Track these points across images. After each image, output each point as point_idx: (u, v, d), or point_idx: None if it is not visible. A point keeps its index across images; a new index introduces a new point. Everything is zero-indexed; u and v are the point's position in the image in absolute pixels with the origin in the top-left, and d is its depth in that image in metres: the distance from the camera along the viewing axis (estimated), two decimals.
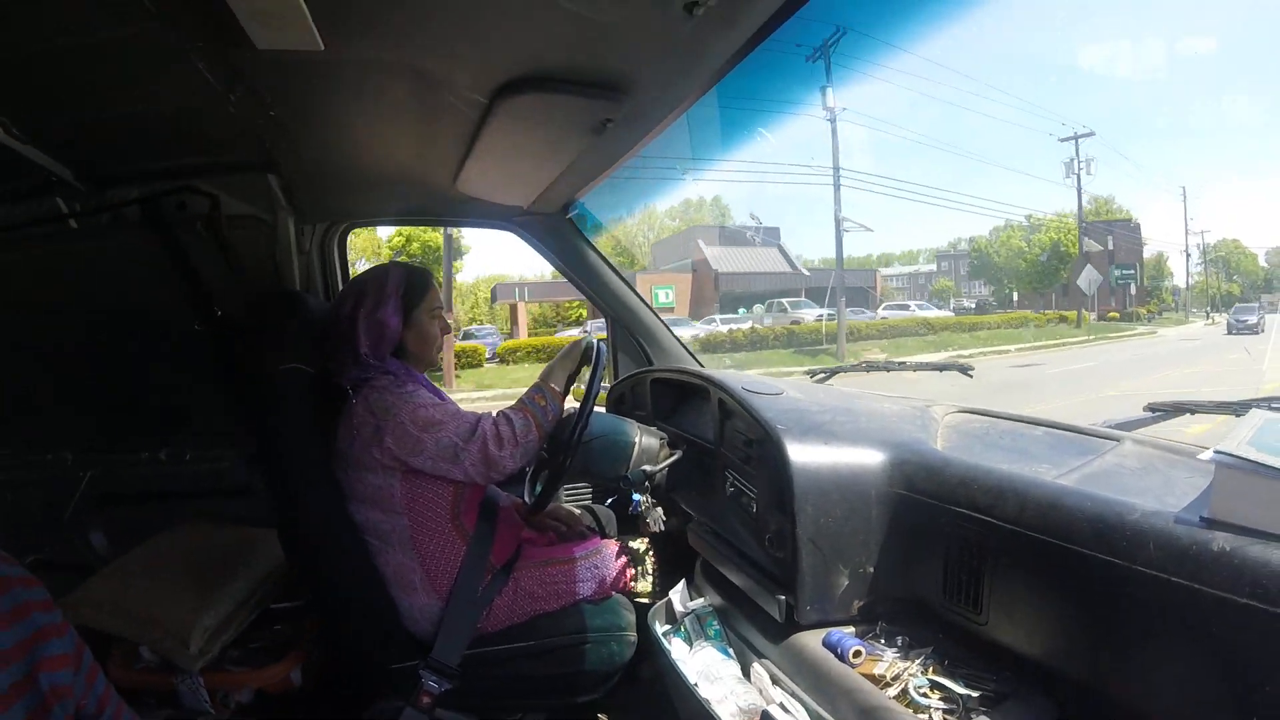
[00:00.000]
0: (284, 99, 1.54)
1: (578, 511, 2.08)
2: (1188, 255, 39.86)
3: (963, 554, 1.16)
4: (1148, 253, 38.58)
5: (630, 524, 1.99)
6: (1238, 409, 1.32)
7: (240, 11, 1.09)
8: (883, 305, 33.19)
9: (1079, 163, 30.47)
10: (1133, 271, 35.52)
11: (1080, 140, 30.39)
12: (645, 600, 1.79)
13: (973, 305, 36.94)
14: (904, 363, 2.14)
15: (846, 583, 1.32)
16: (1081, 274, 27.60)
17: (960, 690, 1.09)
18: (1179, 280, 41.73)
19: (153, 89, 1.50)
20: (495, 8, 1.15)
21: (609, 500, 2.20)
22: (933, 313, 30.52)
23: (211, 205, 2.06)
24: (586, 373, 1.75)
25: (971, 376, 2.08)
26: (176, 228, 2.08)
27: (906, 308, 32.27)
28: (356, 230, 2.64)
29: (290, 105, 1.58)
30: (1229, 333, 25.87)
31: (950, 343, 22.50)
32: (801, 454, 1.33)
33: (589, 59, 1.32)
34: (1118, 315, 33.03)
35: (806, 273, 30.51)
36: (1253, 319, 26.62)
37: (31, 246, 2.15)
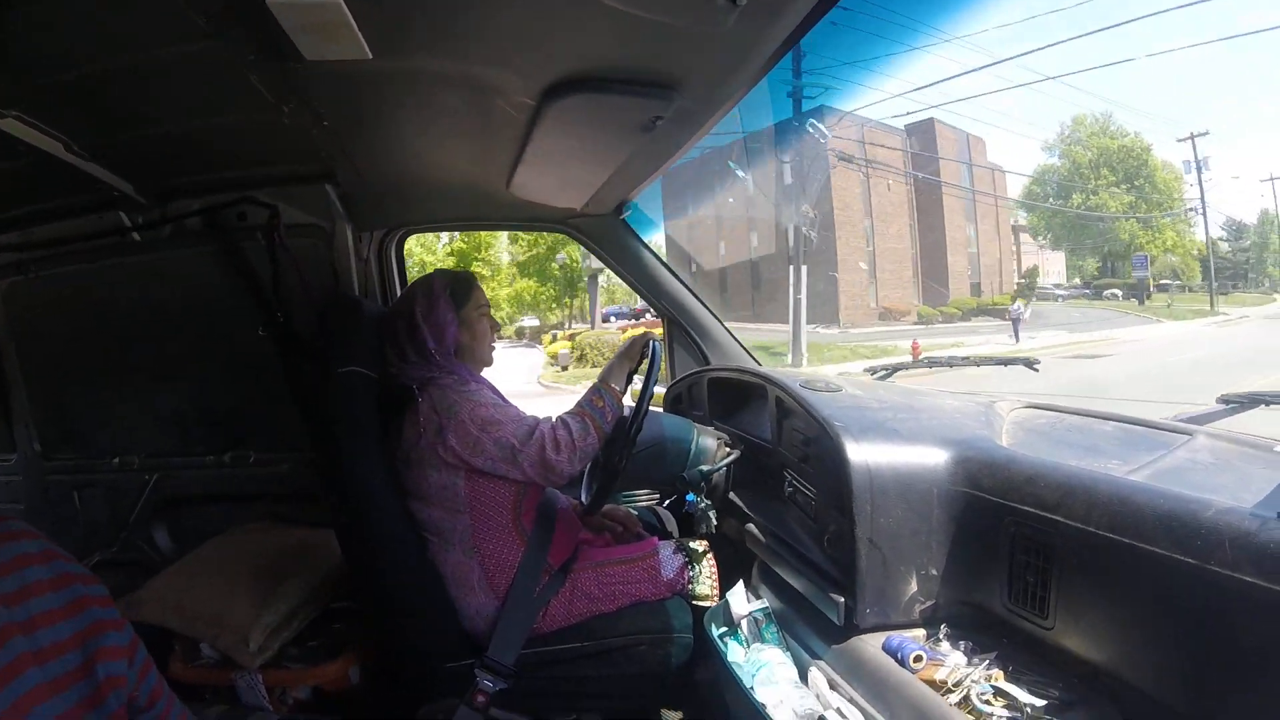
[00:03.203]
0: (336, 110, 1.65)
1: (634, 512, 2.13)
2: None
3: (1028, 556, 1.17)
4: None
5: (688, 525, 2.03)
6: None
7: (288, 25, 1.19)
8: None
9: None
10: None
11: None
12: (702, 603, 1.82)
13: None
14: (968, 358, 2.13)
15: (907, 585, 1.33)
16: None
17: (1024, 697, 1.09)
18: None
19: (208, 104, 1.63)
20: (538, 11, 1.21)
21: (667, 501, 2.25)
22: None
23: (271, 215, 2.19)
24: (645, 368, 1.80)
25: (1037, 371, 2.06)
26: (237, 237, 2.23)
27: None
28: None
29: (342, 115, 1.69)
30: None
31: None
32: (860, 452, 1.35)
33: (635, 57, 1.37)
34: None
35: None
36: None
37: (96, 259, 2.31)
